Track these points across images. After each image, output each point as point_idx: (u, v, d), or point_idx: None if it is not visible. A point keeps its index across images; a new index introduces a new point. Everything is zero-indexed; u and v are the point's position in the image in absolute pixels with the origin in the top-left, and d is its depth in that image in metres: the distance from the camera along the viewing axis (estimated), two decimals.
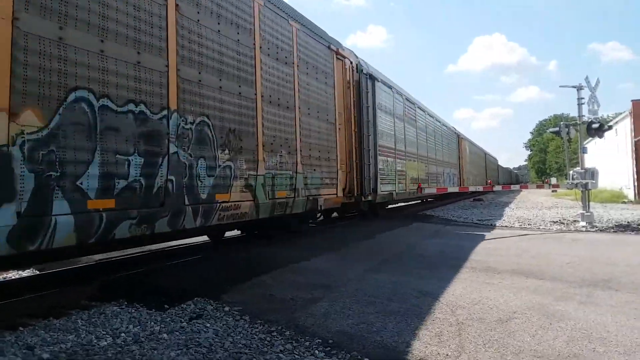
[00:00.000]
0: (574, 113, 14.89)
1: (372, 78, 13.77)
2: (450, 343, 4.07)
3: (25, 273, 7.04)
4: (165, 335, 4.23)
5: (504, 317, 4.75)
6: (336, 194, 10.90)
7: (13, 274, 6.99)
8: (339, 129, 11.32)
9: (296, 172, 9.01)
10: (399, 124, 16.50)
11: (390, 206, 18.96)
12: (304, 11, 10.82)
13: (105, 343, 4.02)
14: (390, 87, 15.83)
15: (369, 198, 13.13)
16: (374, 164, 13.42)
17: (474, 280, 6.34)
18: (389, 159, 14.97)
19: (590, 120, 13.95)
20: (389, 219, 15.74)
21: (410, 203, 23.89)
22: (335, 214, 14.20)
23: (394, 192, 15.39)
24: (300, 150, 9.23)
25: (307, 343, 4.10)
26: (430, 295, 5.56)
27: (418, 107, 20.07)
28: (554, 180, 21.40)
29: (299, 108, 9.31)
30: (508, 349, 3.93)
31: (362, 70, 13.15)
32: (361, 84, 12.98)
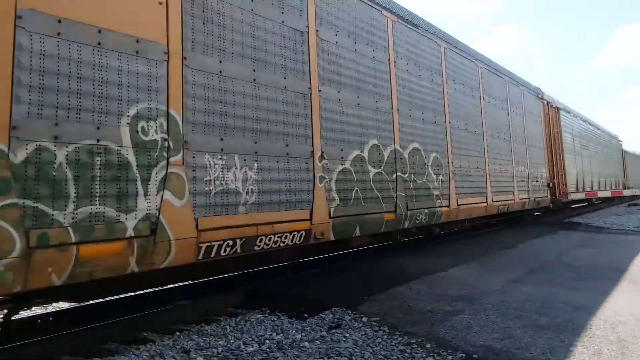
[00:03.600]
0: None
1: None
2: None
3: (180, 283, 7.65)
4: (306, 343, 4.33)
5: None
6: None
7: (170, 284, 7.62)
8: None
9: None
10: None
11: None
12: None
13: (252, 349, 4.21)
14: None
15: None
16: None
17: (635, 294, 5.68)
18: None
19: None
20: (529, 226, 14.75)
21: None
22: None
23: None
24: None
25: (450, 357, 3.94)
26: (585, 309, 5.08)
27: None
28: None
29: None
30: None
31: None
32: None
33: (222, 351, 4.16)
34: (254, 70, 5.50)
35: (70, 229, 3.69)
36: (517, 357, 3.88)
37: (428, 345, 4.21)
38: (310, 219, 6.01)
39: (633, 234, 12.59)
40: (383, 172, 7.46)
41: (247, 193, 5.23)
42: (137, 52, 4.30)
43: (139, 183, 4.19)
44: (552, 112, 16.78)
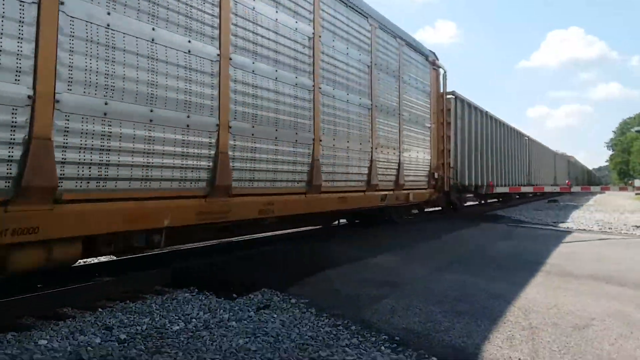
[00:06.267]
0: None
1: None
2: (523, 347, 3.91)
3: (104, 258, 7.42)
4: (234, 323, 4.33)
5: (581, 323, 4.50)
6: None
7: (92, 259, 7.38)
8: None
9: None
10: None
11: None
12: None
13: (178, 327, 4.17)
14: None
15: None
16: None
17: (548, 285, 6.05)
18: None
19: None
20: (454, 219, 15.36)
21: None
22: None
23: None
24: None
25: (373, 339, 4.06)
26: (502, 297, 5.37)
27: None
28: (638, 183, 19.85)
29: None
30: (585, 356, 3.72)
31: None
32: None
33: (146, 329, 4.09)
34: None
35: None
36: (436, 340, 4.05)
37: (353, 328, 4.32)
38: None
39: (550, 229, 13.39)
40: None
41: None
42: None
43: None
44: None
